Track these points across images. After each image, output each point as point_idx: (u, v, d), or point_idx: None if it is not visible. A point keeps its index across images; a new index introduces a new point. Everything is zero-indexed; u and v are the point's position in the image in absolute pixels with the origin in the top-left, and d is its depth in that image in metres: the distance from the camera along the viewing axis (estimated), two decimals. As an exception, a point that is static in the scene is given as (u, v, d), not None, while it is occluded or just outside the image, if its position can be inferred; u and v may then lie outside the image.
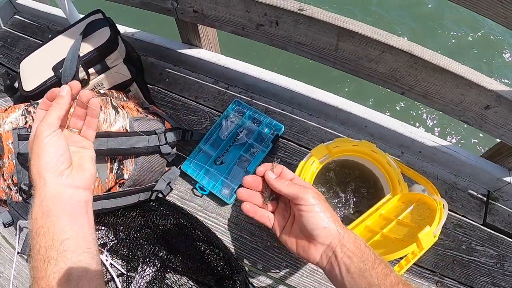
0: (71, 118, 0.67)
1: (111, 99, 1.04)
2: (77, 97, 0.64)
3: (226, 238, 1.10)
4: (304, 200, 0.62)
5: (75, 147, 0.65)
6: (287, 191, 0.65)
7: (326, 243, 0.62)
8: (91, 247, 0.58)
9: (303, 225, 0.63)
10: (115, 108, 1.02)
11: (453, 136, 2.37)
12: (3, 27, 1.84)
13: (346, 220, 1.02)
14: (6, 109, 0.96)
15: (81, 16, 1.32)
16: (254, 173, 0.71)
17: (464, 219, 1.09)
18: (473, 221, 1.08)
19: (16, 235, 1.14)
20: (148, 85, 1.40)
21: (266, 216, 0.70)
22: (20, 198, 0.99)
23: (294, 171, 0.94)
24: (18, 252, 1.08)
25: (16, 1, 1.84)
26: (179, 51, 1.41)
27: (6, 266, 1.13)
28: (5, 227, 1.09)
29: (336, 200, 1.06)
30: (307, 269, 1.04)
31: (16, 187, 0.98)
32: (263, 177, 0.70)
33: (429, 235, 0.77)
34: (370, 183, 1.04)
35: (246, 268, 1.02)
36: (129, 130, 1.01)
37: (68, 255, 0.54)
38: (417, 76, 0.96)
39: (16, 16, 1.88)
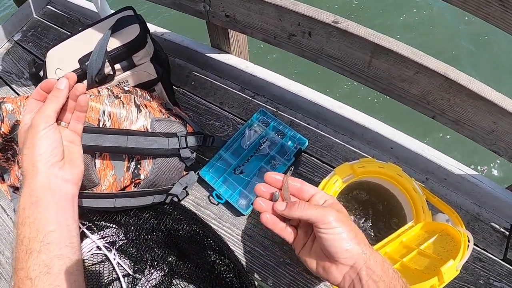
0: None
1: (134, 97, 1.03)
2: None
3: (238, 250, 1.08)
4: (326, 223, 0.58)
5: (66, 141, 0.66)
6: (305, 216, 0.60)
7: (349, 263, 0.58)
8: (73, 241, 0.60)
9: (324, 247, 0.59)
10: (137, 106, 1.01)
11: (479, 164, 2.31)
12: (35, 16, 1.87)
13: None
14: (27, 97, 0.95)
15: (112, 11, 1.31)
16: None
17: (485, 252, 1.04)
18: (493, 255, 1.04)
19: None
20: (174, 87, 1.38)
21: (286, 230, 0.66)
22: None
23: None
24: None
25: (50, -9, 1.85)
26: (208, 55, 1.39)
27: None
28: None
29: (356, 222, 1.02)
30: None
31: None
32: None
33: (452, 270, 0.73)
34: (393, 208, 1.00)
35: (256, 283, 0.99)
36: (150, 130, 1.00)
37: (50, 248, 0.56)
38: (450, 100, 0.92)
39: (49, 6, 1.90)
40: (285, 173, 0.69)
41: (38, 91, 0.64)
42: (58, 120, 0.66)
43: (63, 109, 0.66)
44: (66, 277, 0.56)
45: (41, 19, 1.85)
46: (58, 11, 1.86)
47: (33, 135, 0.59)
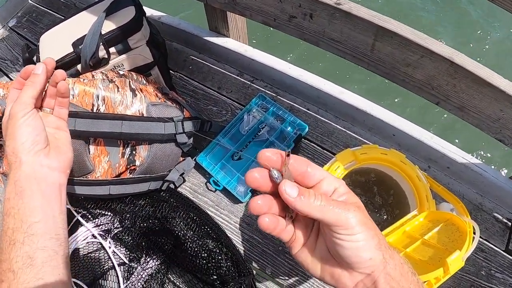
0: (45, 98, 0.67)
1: (129, 81, 1.01)
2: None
3: (236, 238, 1.06)
4: (348, 229, 0.43)
5: (51, 128, 0.64)
6: (321, 217, 0.42)
7: (367, 272, 0.45)
8: (59, 233, 0.57)
9: (339, 255, 0.44)
10: (133, 90, 0.98)
11: (482, 153, 2.28)
12: (29, 2, 1.84)
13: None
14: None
15: (108, -7, 1.28)
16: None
17: (487, 243, 1.03)
18: (495, 246, 1.02)
19: None
20: (171, 71, 1.36)
21: (284, 229, 0.47)
22: None
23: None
24: None
25: (45, -24, 1.82)
26: (206, 38, 1.36)
27: None
28: None
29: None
30: (318, 280, 0.98)
31: None
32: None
33: (458, 261, 0.70)
34: (395, 196, 0.98)
35: (254, 272, 0.97)
36: (145, 114, 0.97)
37: (34, 239, 0.54)
38: (456, 86, 0.89)
39: (44, -9, 1.86)
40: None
41: (18, 80, 0.62)
42: (42, 106, 0.66)
43: (45, 95, 0.66)
44: (51, 270, 0.54)
45: (36, 5, 1.81)
46: (53, -5, 1.83)
47: (12, 124, 0.57)
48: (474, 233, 0.77)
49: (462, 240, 0.75)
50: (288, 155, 0.44)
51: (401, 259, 0.47)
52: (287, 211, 0.47)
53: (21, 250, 0.52)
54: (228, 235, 1.02)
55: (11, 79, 1.54)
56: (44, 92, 0.66)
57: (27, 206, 0.55)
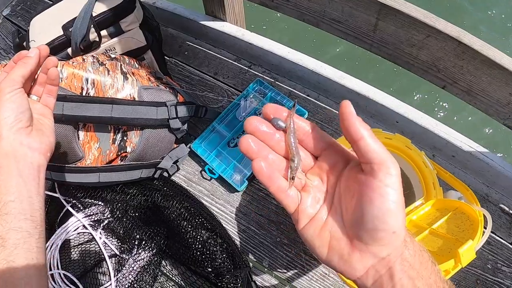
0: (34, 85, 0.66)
1: (121, 64, 0.98)
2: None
3: (231, 229, 1.03)
4: (392, 175, 0.36)
5: (36, 114, 0.63)
6: (367, 144, 0.36)
7: (382, 254, 0.37)
8: (35, 215, 0.55)
9: (362, 213, 0.37)
10: (124, 74, 0.95)
11: (490, 141, 2.24)
12: (23, -11, 1.81)
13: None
14: (5, 65, 0.89)
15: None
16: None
17: (493, 235, 1.00)
18: (502, 238, 0.99)
19: None
20: (166, 57, 1.32)
21: (287, 192, 0.42)
22: None
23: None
24: None
25: (39, -37, 1.79)
26: (202, 23, 1.33)
27: None
28: None
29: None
30: (318, 273, 0.96)
31: None
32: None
33: (471, 251, 0.65)
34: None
35: (251, 264, 0.95)
36: (137, 98, 0.94)
37: (8, 219, 0.52)
38: (463, 68, 0.86)
39: (38, -21, 1.84)
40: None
41: (10, 64, 0.62)
42: (30, 93, 0.65)
43: (34, 82, 0.65)
44: (23, 253, 0.52)
45: (29, -8, 1.79)
46: (48, -17, 1.80)
47: None
48: (486, 223, 0.73)
49: (473, 230, 0.71)
50: (294, 106, 0.42)
51: (420, 246, 0.40)
52: (289, 169, 0.42)
53: None
54: (224, 225, 0.99)
55: (4, 68, 1.51)
56: (34, 80, 0.66)
57: (2, 183, 0.53)
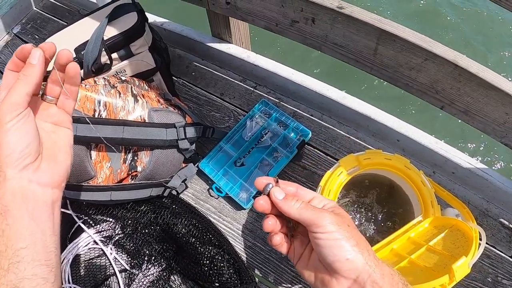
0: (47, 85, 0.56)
1: (131, 87, 1.00)
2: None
3: (238, 245, 1.05)
4: (321, 227, 0.49)
5: (50, 124, 0.55)
6: (299, 216, 0.52)
7: (351, 277, 0.48)
8: (50, 258, 0.49)
9: (321, 256, 0.50)
10: (134, 96, 0.98)
11: (488, 158, 2.25)
12: (34, 8, 1.85)
13: (370, 241, 0.95)
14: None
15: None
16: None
17: (493, 249, 1.01)
18: (502, 252, 1.00)
19: None
20: (174, 78, 1.36)
21: (280, 242, 0.57)
22: None
23: (317, 181, 0.88)
24: None
25: (49, -17, 1.83)
26: (208, 44, 1.36)
27: None
28: None
29: (361, 217, 0.98)
30: None
31: None
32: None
33: (464, 267, 0.69)
34: (400, 202, 0.97)
35: (257, 279, 0.96)
36: (147, 120, 0.97)
37: (21, 267, 0.46)
38: (460, 89, 0.88)
39: (48, -2, 1.88)
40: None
41: (14, 60, 0.52)
42: (44, 94, 0.56)
43: (50, 81, 0.56)
44: None
45: (40, 11, 1.82)
46: (57, 3, 1.83)
47: None
48: (480, 239, 0.76)
49: (468, 246, 0.73)
50: (277, 181, 0.57)
51: (391, 270, 0.50)
52: (288, 230, 0.57)
53: (5, 278, 0.46)
54: (231, 242, 1.01)
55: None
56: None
57: (12, 228, 0.47)
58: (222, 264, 0.93)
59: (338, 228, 0.49)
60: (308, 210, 0.52)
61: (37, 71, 0.50)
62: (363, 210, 0.99)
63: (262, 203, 0.55)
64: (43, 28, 1.74)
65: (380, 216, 0.98)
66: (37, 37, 1.71)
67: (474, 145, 2.27)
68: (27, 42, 1.63)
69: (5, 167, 0.47)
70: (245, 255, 1.03)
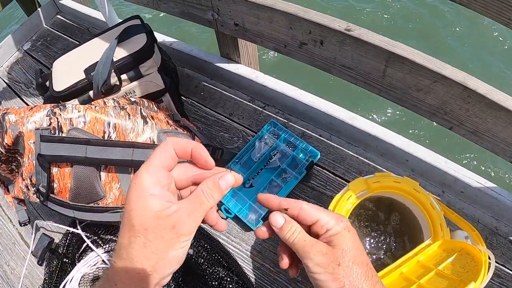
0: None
1: (141, 108, 1.01)
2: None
3: (247, 266, 1.04)
4: (307, 267, 0.50)
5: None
6: (292, 247, 0.52)
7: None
8: None
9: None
10: (144, 118, 0.98)
11: (498, 176, 2.24)
12: (44, 26, 1.88)
13: (380, 264, 0.94)
14: (32, 108, 0.93)
15: (120, 20, 1.30)
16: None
17: (503, 268, 0.99)
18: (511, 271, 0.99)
19: (32, 234, 1.15)
20: (183, 98, 1.36)
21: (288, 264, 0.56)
22: (37, 199, 0.96)
23: (326, 201, 0.88)
24: (31, 252, 1.08)
25: (59, 1, 1.86)
26: (217, 64, 1.37)
27: (18, 263, 1.14)
28: (20, 225, 1.08)
29: (370, 240, 0.98)
30: None
31: (34, 188, 0.95)
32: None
33: (474, 293, 0.68)
34: (409, 225, 0.96)
35: (265, 301, 0.96)
36: (156, 142, 0.97)
37: None
38: (469, 110, 0.88)
39: (58, 16, 1.91)
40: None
41: (184, 150, 0.50)
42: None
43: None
44: None
45: (50, 29, 1.86)
46: (68, 21, 1.86)
47: (161, 250, 0.45)
48: (489, 263, 0.75)
49: (477, 270, 0.73)
50: (286, 209, 0.54)
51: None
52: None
53: None
54: (239, 263, 1.00)
55: (25, 102, 1.57)
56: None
57: None
58: (231, 286, 0.93)
59: (323, 270, 0.49)
60: (299, 243, 0.51)
61: (219, 198, 0.49)
62: (372, 233, 0.98)
63: (264, 231, 0.55)
64: (53, 45, 1.76)
65: (389, 239, 0.97)
66: (47, 53, 1.73)
67: (482, 163, 2.27)
68: (36, 59, 1.66)
69: (156, 275, 0.45)
70: (254, 276, 1.02)
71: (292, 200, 0.54)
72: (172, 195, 0.47)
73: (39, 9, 1.86)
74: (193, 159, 0.51)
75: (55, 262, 1.05)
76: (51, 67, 1.17)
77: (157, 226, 0.43)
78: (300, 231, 0.52)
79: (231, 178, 0.49)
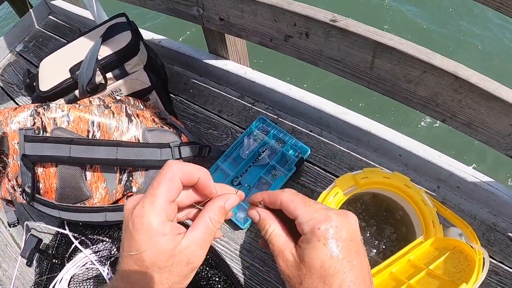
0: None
1: (126, 107, 1.00)
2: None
3: (236, 266, 1.02)
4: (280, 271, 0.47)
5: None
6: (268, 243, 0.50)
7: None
8: None
9: None
10: (129, 116, 0.97)
11: (495, 171, 2.21)
12: (36, 27, 1.87)
13: (370, 263, 0.91)
14: (16, 108, 0.93)
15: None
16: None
17: (501, 265, 0.97)
18: (510, 268, 0.96)
19: (23, 235, 1.15)
20: (172, 95, 1.35)
21: None
22: (24, 200, 0.96)
23: (317, 199, 0.85)
24: (20, 253, 1.06)
25: (51, 2, 1.85)
26: (206, 61, 1.35)
27: (10, 265, 1.14)
28: (10, 226, 1.09)
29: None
30: None
31: (21, 189, 0.95)
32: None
33: (465, 294, 0.65)
34: (400, 222, 0.93)
35: (254, 301, 0.94)
36: (141, 140, 0.96)
37: None
38: (461, 101, 0.85)
39: (50, 17, 1.91)
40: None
41: (189, 175, 0.49)
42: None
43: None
44: None
45: (42, 30, 1.85)
46: (60, 21, 1.86)
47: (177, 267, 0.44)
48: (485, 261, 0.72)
49: (470, 270, 0.69)
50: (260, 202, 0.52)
51: None
52: None
53: None
54: (228, 262, 0.99)
55: (17, 103, 1.57)
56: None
57: None
58: (219, 286, 0.91)
59: (287, 281, 0.46)
60: (271, 242, 0.48)
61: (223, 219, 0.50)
62: (361, 230, 0.96)
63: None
64: (45, 46, 1.76)
65: (380, 237, 0.95)
66: (39, 54, 1.73)
67: (479, 157, 2.23)
68: (29, 60, 1.66)
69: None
70: (243, 276, 1.01)
71: (274, 193, 0.50)
72: (177, 225, 0.46)
73: (31, 10, 1.86)
74: (198, 188, 0.50)
75: (45, 263, 1.04)
76: (38, 67, 1.16)
77: (172, 265, 0.44)
78: (273, 230, 0.48)
79: (235, 200, 0.50)
